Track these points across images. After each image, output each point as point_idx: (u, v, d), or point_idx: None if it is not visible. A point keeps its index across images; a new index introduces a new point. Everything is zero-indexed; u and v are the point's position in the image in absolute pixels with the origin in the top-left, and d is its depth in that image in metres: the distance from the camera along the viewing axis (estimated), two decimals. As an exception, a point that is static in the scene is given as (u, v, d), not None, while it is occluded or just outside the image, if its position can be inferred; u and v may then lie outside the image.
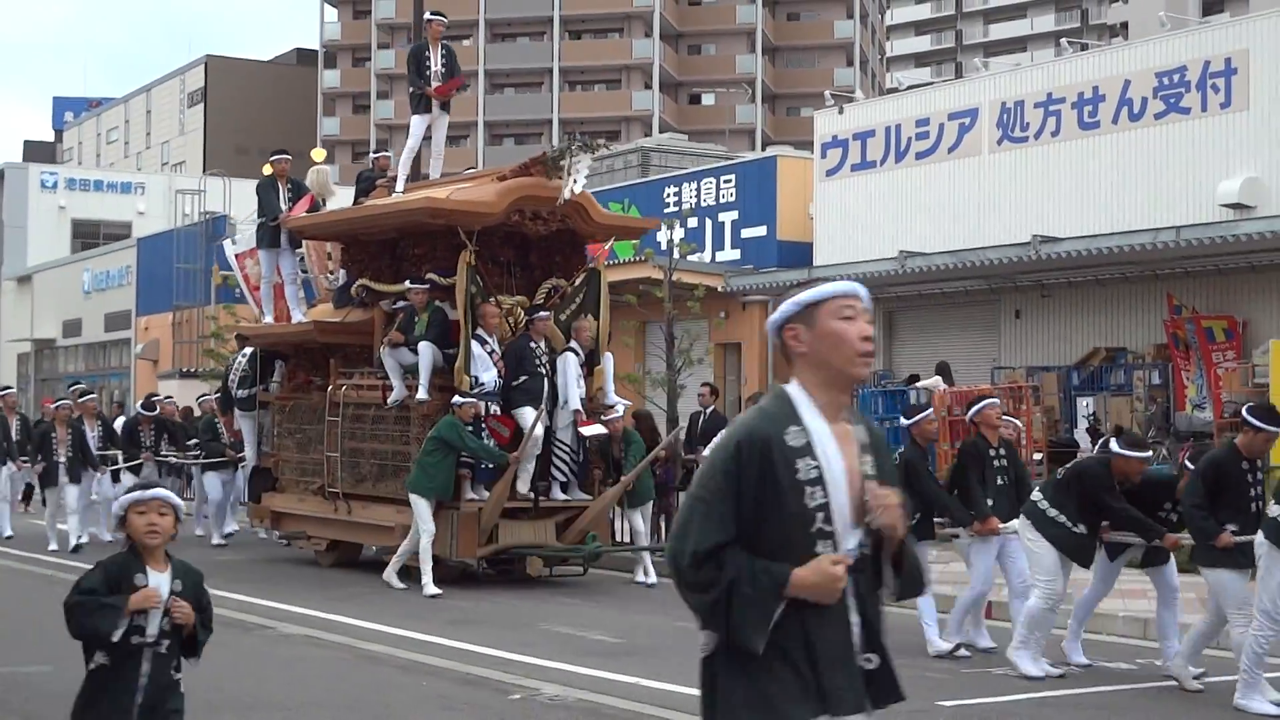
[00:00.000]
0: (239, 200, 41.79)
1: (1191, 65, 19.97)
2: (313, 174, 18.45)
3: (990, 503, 10.37)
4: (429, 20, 16.44)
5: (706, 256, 25.79)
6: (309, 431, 16.74)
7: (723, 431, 3.86)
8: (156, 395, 22.02)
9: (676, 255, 20.70)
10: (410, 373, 14.94)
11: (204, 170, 58.27)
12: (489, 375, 14.54)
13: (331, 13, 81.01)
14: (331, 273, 17.78)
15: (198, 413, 21.93)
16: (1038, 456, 16.92)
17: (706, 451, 13.46)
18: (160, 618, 4.97)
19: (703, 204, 26.48)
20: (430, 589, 13.72)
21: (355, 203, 17.27)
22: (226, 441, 19.15)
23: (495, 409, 14.61)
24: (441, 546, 14.22)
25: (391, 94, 75.27)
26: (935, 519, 10.67)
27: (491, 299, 14.76)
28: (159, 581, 5.00)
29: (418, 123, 16.38)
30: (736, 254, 25.84)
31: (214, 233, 36.15)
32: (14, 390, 22.17)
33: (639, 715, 8.45)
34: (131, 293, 41.87)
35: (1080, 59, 22.40)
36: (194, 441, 19.90)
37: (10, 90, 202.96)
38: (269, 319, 17.93)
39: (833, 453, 3.53)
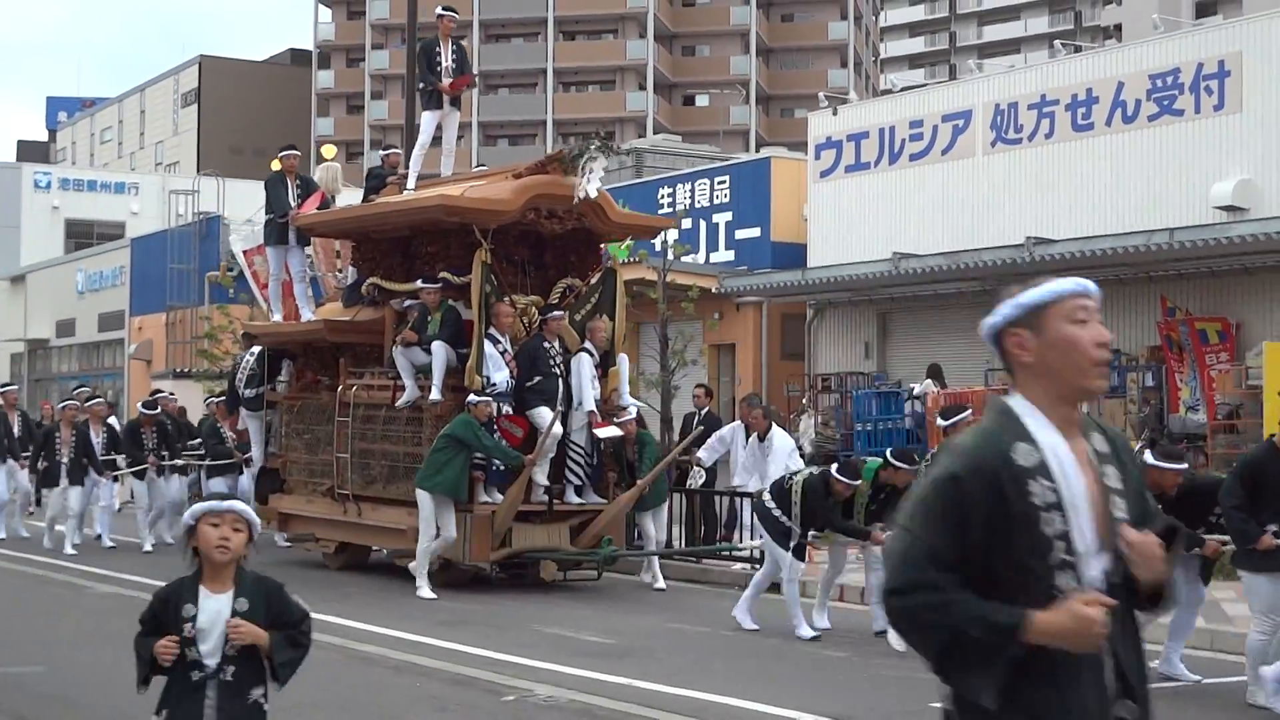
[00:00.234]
0: (233, 200, 41.81)
1: (1185, 67, 19.98)
2: (322, 170, 18.05)
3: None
4: (439, 15, 16.20)
5: (701, 257, 25.78)
6: (317, 432, 16.53)
7: (938, 456, 3.39)
8: (160, 392, 21.57)
9: (671, 256, 20.68)
10: (423, 373, 14.73)
11: (198, 170, 58.23)
12: (501, 375, 14.34)
13: (326, 13, 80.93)
14: (339, 271, 17.61)
15: (199, 415, 21.65)
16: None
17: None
18: (223, 644, 4.59)
19: (697, 205, 26.47)
20: (425, 592, 13.64)
21: (365, 200, 16.92)
22: (232, 445, 18.68)
23: (508, 409, 14.43)
24: (454, 550, 14.07)
25: (385, 94, 75.28)
26: None
27: (506, 298, 14.57)
28: (218, 605, 4.61)
29: (429, 119, 16.11)
30: (730, 255, 25.83)
31: (208, 233, 36.13)
32: (15, 387, 21.88)
33: (631, 716, 8.45)
34: (125, 293, 41.78)
35: (1074, 61, 22.40)
36: (197, 441, 19.58)
37: (4, 90, 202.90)
38: (277, 317, 17.71)
39: (1071, 471, 3.08)
